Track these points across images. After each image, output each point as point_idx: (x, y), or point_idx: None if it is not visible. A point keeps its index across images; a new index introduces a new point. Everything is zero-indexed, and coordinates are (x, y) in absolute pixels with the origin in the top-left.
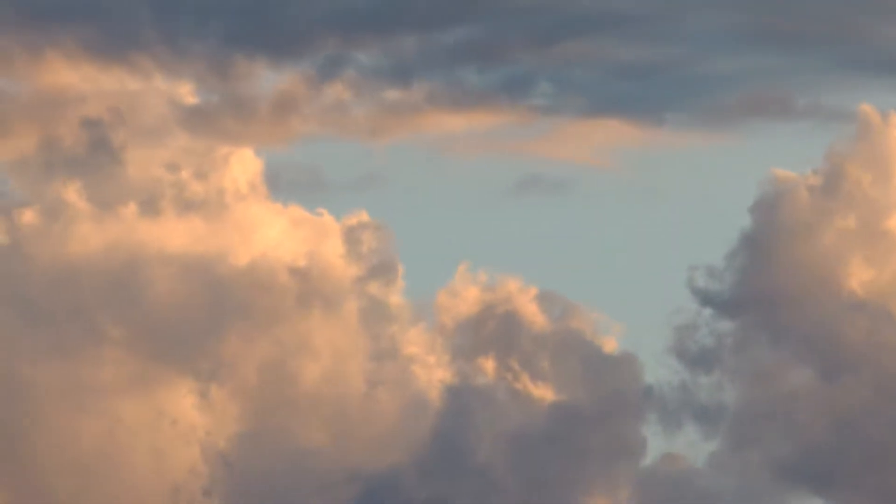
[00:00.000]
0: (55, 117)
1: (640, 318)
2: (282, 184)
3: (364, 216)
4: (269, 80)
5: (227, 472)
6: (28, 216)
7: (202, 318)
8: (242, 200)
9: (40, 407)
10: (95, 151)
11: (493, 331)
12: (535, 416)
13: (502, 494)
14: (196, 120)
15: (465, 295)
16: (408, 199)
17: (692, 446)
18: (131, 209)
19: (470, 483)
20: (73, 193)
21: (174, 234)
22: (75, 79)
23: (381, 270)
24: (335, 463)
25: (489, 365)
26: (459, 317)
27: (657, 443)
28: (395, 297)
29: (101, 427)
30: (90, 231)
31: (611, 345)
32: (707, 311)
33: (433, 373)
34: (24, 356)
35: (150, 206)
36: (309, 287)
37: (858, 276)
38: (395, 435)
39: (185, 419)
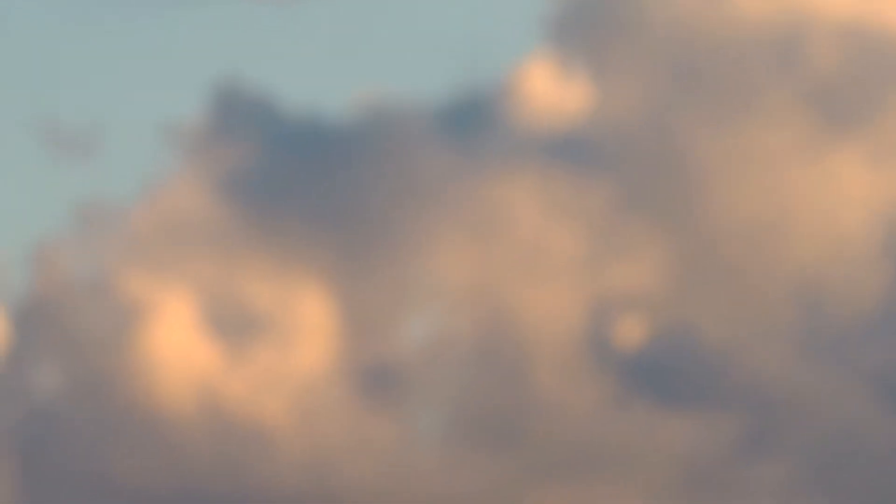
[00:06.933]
0: None
1: None
2: None
3: None
4: None
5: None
6: None
7: (869, 82)
8: None
9: (701, 176)
10: None
11: None
12: None
13: None
14: None
15: None
16: None
17: None
18: None
19: None
20: None
21: None
22: None
23: None
24: None
25: None
26: None
27: None
28: None
29: (764, 194)
30: None
31: None
32: None
33: None
34: (686, 126)
35: None
36: None
37: None
38: None
39: (853, 183)
